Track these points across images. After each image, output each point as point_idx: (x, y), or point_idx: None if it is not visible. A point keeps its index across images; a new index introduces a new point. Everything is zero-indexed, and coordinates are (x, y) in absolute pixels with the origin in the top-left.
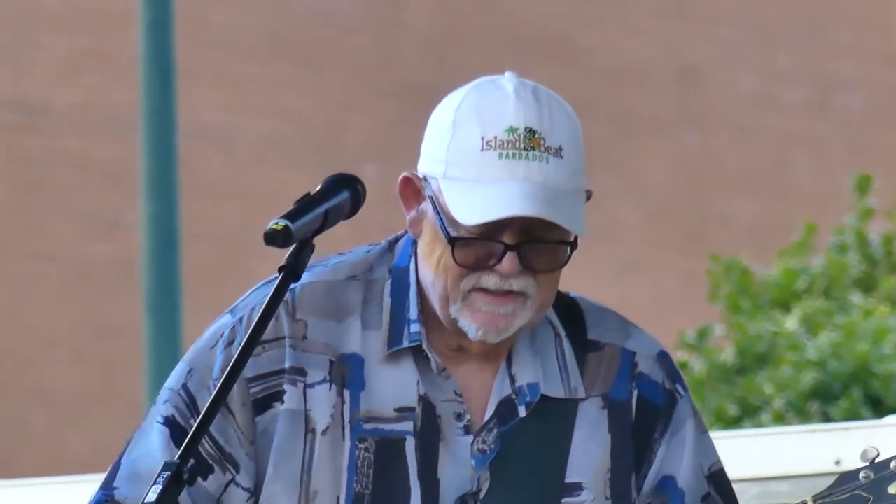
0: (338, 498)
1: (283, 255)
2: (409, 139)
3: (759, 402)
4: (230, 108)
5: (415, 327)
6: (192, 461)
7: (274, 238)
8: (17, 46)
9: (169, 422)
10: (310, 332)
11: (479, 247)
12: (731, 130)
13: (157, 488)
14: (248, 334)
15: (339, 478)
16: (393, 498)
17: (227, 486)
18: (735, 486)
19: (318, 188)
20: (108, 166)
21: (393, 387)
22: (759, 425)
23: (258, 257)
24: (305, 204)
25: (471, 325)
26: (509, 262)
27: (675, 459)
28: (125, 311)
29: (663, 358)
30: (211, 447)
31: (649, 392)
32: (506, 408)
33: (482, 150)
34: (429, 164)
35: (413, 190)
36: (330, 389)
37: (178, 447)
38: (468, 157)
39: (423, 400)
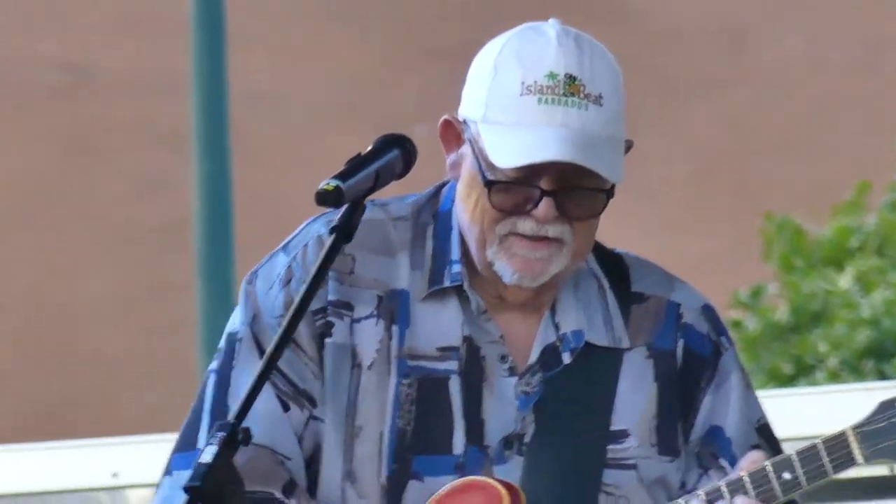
0: (381, 433)
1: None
2: (458, 98)
3: (814, 361)
4: (281, 71)
5: (456, 268)
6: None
7: (325, 198)
8: (69, 10)
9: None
10: (358, 267)
11: (515, 191)
12: (778, 90)
13: (212, 449)
14: (309, 279)
15: (384, 413)
16: (436, 435)
17: (307, 422)
18: (789, 445)
19: (369, 148)
20: (159, 128)
21: (437, 326)
22: (814, 384)
23: (310, 218)
24: (356, 164)
25: (507, 269)
26: (545, 207)
27: (721, 410)
28: (178, 271)
29: (708, 310)
30: (284, 384)
31: (695, 343)
32: (550, 354)
33: (521, 94)
34: (469, 107)
35: (454, 133)
36: (377, 324)
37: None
38: (508, 100)
39: (468, 340)
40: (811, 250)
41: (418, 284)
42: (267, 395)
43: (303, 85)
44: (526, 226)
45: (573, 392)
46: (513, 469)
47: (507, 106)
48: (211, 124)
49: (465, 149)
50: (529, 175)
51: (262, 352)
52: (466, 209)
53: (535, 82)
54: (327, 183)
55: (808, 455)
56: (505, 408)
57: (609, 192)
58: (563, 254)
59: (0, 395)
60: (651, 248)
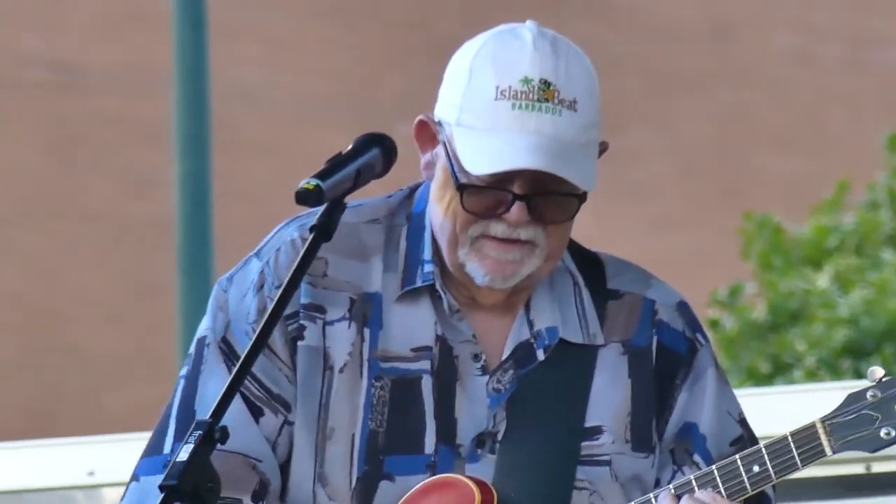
0: (353, 436)
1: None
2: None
3: (792, 360)
4: (264, 66)
5: (428, 267)
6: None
7: (305, 197)
8: (52, 7)
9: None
10: (331, 270)
11: (488, 195)
12: (766, 87)
13: (189, 447)
14: (284, 283)
15: (356, 415)
16: (408, 435)
17: (281, 427)
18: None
19: (349, 147)
20: (145, 125)
21: (410, 327)
22: (792, 382)
23: (291, 215)
24: (336, 163)
25: (478, 270)
26: (517, 211)
27: (696, 406)
28: (162, 269)
29: (683, 307)
30: (258, 389)
31: (669, 339)
32: (524, 351)
33: (496, 98)
34: (444, 108)
35: (429, 133)
36: (349, 327)
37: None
38: (482, 105)
39: (441, 340)
40: (790, 249)
41: (392, 286)
42: (235, 402)
43: (286, 81)
44: (498, 228)
45: (547, 389)
46: (485, 467)
47: (480, 110)
48: (193, 120)
49: (440, 150)
50: (502, 179)
51: (232, 357)
52: (439, 210)
53: (510, 87)
54: (307, 182)
55: (778, 448)
56: (477, 406)
57: (582, 197)
58: (536, 255)
59: None
60: (634, 245)
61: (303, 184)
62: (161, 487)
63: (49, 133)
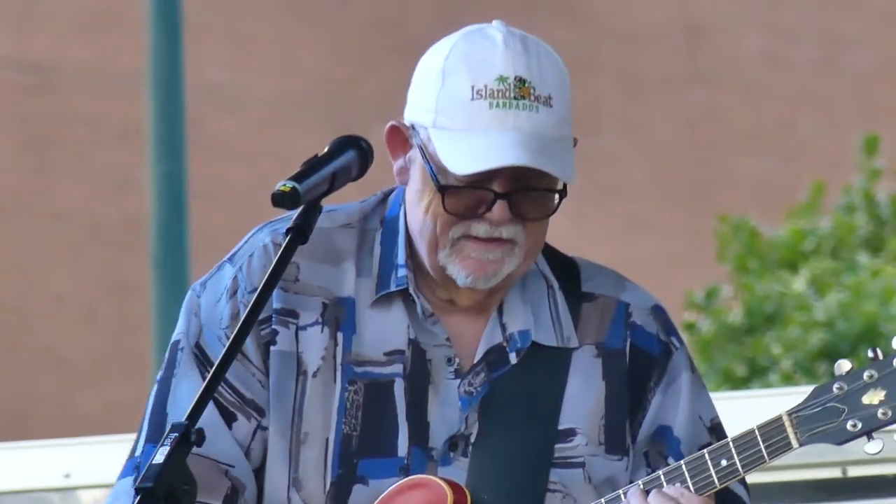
0: (327, 439)
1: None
2: None
3: (768, 363)
4: (239, 68)
5: (402, 271)
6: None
7: (282, 200)
8: (27, 7)
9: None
10: (302, 275)
11: (468, 195)
12: (738, 89)
13: (165, 450)
14: (259, 287)
15: (329, 420)
16: (380, 439)
17: (254, 432)
18: None
19: (325, 150)
20: (119, 126)
21: (383, 331)
22: (768, 385)
23: (266, 217)
24: (312, 166)
25: (460, 272)
26: (499, 209)
27: (671, 409)
28: (136, 270)
29: (658, 311)
30: (231, 395)
31: (643, 342)
32: (496, 354)
33: (472, 99)
34: (417, 112)
35: (400, 138)
36: (322, 332)
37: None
38: (458, 106)
39: (413, 344)
40: (766, 252)
41: (365, 291)
42: (208, 407)
43: (260, 83)
44: (480, 228)
45: (520, 392)
46: (458, 470)
47: (457, 111)
48: (167, 121)
49: (414, 154)
50: (482, 178)
51: (205, 362)
52: (417, 214)
53: (486, 86)
54: (284, 184)
55: (745, 441)
56: (449, 409)
57: (562, 192)
58: (516, 254)
59: None
60: (608, 248)
61: (279, 186)
62: (137, 490)
63: (23, 133)
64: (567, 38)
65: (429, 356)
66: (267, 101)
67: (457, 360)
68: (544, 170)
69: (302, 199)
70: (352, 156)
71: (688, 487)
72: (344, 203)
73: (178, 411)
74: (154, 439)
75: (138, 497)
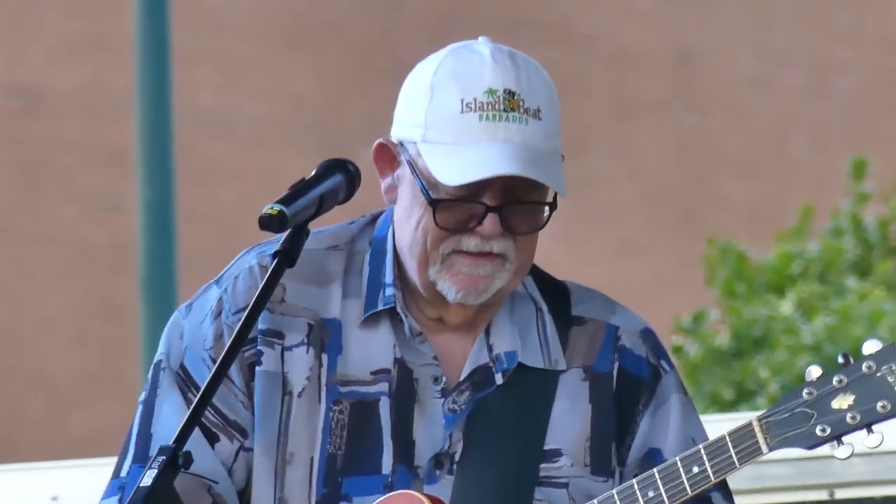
0: (312, 459)
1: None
2: None
3: (755, 386)
4: (227, 91)
5: (389, 290)
6: (185, 447)
7: (269, 223)
8: (15, 31)
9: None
10: (288, 296)
11: (459, 209)
12: (728, 113)
13: (153, 473)
14: (248, 308)
15: (314, 439)
16: (365, 457)
17: (237, 453)
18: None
19: (313, 173)
20: (107, 149)
21: (369, 351)
22: (755, 409)
23: (255, 240)
24: (300, 189)
25: (450, 288)
26: (490, 223)
27: (660, 432)
28: (125, 293)
29: (647, 334)
30: (214, 416)
31: (632, 365)
32: (482, 374)
33: (462, 112)
34: (405, 129)
35: (388, 156)
36: (307, 352)
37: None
38: (448, 120)
39: (399, 363)
40: (754, 276)
41: (353, 312)
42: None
43: (248, 106)
44: (470, 243)
45: (505, 412)
46: (443, 488)
47: (447, 125)
48: (155, 145)
49: (403, 171)
50: (473, 192)
51: (189, 384)
52: (407, 230)
53: (475, 99)
54: (271, 207)
55: (716, 448)
56: (434, 427)
57: (552, 205)
58: (506, 269)
59: None
60: (597, 271)
61: (266, 209)
62: None
63: (11, 157)
64: (557, 60)
65: (415, 375)
66: (255, 123)
67: (443, 379)
68: (537, 179)
69: (289, 223)
70: (339, 179)
71: (660, 495)
72: (331, 225)
73: (163, 431)
74: (141, 460)
75: None
